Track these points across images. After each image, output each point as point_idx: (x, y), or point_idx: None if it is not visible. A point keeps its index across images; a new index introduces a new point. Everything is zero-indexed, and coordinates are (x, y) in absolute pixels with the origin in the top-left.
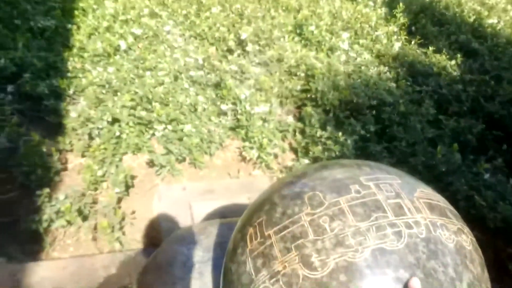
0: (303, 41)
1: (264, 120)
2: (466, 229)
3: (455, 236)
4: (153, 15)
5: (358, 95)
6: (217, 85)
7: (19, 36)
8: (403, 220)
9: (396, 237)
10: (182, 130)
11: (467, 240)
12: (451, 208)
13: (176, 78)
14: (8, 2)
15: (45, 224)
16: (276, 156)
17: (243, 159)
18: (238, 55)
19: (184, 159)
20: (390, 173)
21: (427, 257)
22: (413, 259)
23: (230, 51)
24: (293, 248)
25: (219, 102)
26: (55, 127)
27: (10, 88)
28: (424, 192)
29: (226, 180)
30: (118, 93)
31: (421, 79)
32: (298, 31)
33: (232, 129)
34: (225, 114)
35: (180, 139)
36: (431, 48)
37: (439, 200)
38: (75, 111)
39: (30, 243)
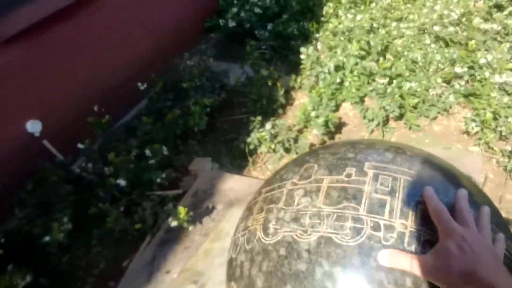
0: None
1: (506, 92)
2: None
3: None
4: None
5: None
6: (466, 45)
7: None
8: (374, 219)
9: (352, 233)
10: (404, 87)
11: None
12: None
13: (420, 32)
14: None
15: (251, 147)
16: (504, 136)
17: (466, 131)
18: (509, 13)
19: (400, 118)
20: (412, 167)
21: (377, 267)
22: (358, 262)
23: (499, 7)
24: (265, 210)
25: (457, 64)
26: (295, 66)
27: (269, 26)
28: None
29: (430, 148)
30: (353, 42)
31: None
32: None
33: (466, 96)
34: (460, 78)
35: (400, 96)
36: None
37: None
38: (309, 53)
39: (239, 159)
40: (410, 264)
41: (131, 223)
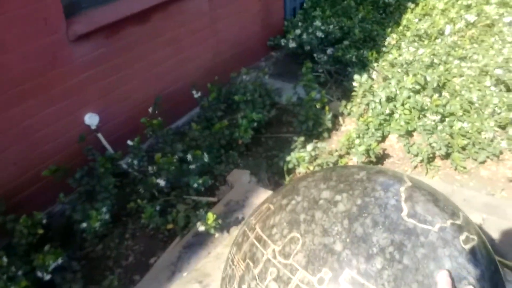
0: None
1: None
2: None
3: None
4: (504, 4)
5: None
6: None
7: (362, 8)
8: None
9: None
10: (454, 127)
11: None
12: None
13: (482, 73)
14: None
15: (290, 165)
16: None
17: None
18: None
19: (447, 157)
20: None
21: None
22: None
23: None
24: (245, 263)
25: None
26: (347, 92)
27: (329, 51)
28: None
29: (475, 193)
30: (410, 75)
31: None
32: None
33: None
34: None
35: (450, 135)
36: None
37: None
38: (362, 81)
39: (277, 176)
40: None
41: (164, 223)
